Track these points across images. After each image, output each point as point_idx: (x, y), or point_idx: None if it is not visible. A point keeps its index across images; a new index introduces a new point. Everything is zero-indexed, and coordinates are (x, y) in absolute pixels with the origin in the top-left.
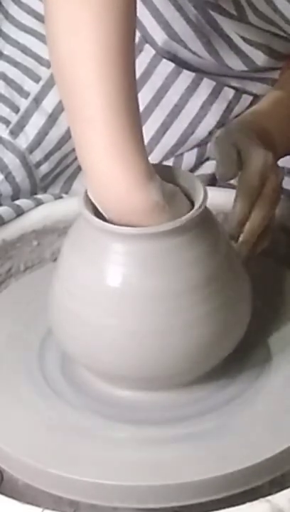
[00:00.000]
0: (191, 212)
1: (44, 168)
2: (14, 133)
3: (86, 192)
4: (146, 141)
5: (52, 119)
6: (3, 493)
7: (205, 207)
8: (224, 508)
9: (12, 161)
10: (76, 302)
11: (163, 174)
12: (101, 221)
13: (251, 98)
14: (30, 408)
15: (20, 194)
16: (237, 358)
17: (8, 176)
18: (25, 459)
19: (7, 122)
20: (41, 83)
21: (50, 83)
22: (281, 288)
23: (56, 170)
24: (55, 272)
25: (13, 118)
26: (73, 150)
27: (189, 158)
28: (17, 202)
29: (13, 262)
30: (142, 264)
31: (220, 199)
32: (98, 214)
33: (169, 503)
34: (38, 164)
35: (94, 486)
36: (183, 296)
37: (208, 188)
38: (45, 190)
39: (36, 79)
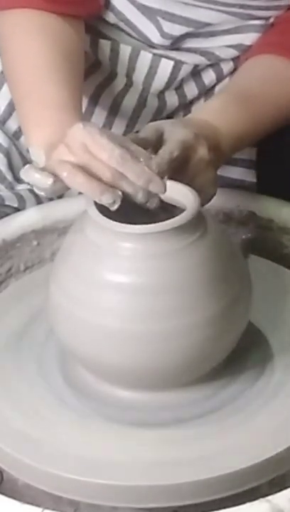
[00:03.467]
0: (190, 211)
1: (23, 140)
2: None
3: None
4: None
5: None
6: (3, 493)
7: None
8: (224, 508)
9: None
10: (76, 302)
11: None
12: (109, 220)
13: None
14: (30, 408)
15: (14, 166)
16: (238, 358)
17: None
18: (25, 459)
19: None
20: None
21: None
22: (281, 288)
23: None
24: (54, 271)
25: None
26: None
27: None
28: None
29: (13, 261)
30: (144, 264)
31: (220, 199)
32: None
33: (169, 503)
34: (16, 135)
35: (94, 486)
36: (186, 296)
37: None
38: None
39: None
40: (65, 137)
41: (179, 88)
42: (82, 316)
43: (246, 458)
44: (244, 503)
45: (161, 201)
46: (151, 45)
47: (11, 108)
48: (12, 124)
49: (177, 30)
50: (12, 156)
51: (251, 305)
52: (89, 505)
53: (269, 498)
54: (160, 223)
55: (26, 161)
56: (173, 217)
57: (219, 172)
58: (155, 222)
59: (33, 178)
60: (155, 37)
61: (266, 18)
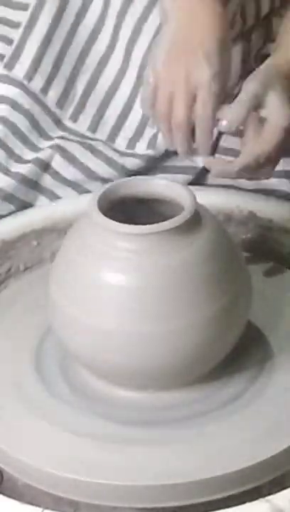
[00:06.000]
0: (188, 211)
1: (52, 95)
2: (8, 66)
3: (96, 193)
4: None
5: (45, 43)
6: (3, 493)
7: (202, 206)
8: (224, 508)
9: (11, 90)
10: (76, 303)
11: (145, 186)
12: (109, 220)
13: None
14: (29, 408)
15: (41, 125)
16: (237, 357)
17: (15, 106)
18: (25, 459)
19: (1, 57)
20: (30, 10)
21: (38, 8)
22: (281, 288)
23: (69, 95)
24: (54, 272)
25: (8, 51)
26: (76, 72)
27: None
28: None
29: (12, 261)
30: (144, 264)
31: (220, 199)
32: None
33: (169, 503)
34: (44, 91)
35: (94, 486)
36: (186, 296)
37: (208, 188)
38: (74, 119)
39: (24, 7)
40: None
41: None
42: (81, 316)
43: (246, 458)
44: (244, 503)
45: (160, 201)
46: None
47: (35, 64)
48: (38, 81)
49: None
50: (35, 115)
51: (251, 305)
52: (89, 505)
53: (269, 498)
54: (160, 223)
55: (56, 117)
56: (172, 217)
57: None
58: (154, 222)
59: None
60: None
61: None
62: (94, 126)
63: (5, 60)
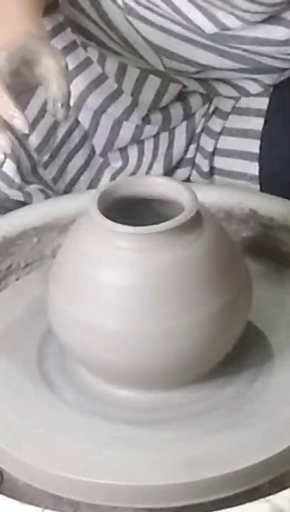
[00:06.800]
0: (189, 211)
1: (33, 139)
2: None
3: (95, 192)
4: None
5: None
6: (3, 493)
7: (202, 206)
8: (224, 508)
9: None
10: (75, 303)
11: (143, 185)
12: (109, 220)
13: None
14: (30, 408)
15: (22, 169)
16: (237, 357)
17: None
18: (25, 459)
19: None
20: None
21: None
22: (281, 287)
23: (49, 141)
24: (53, 271)
25: None
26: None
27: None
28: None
29: (13, 259)
30: (144, 264)
31: (221, 197)
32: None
33: (169, 503)
34: (25, 134)
35: (94, 486)
36: (186, 296)
37: (208, 186)
38: (46, 166)
39: None
40: None
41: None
42: (81, 316)
43: (246, 458)
44: (244, 503)
45: (160, 201)
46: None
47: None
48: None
49: None
50: (20, 158)
51: (251, 304)
52: (89, 505)
53: (269, 498)
54: (159, 224)
55: (34, 161)
56: (172, 217)
57: (220, 165)
58: (154, 222)
59: None
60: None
61: None
62: (57, 177)
63: None
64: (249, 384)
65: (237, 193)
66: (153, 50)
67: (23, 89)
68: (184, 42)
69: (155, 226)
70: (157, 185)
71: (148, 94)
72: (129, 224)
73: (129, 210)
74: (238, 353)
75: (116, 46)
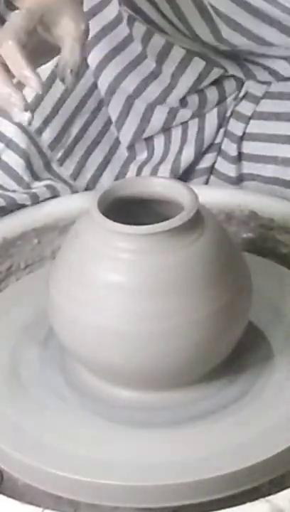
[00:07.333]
0: (189, 211)
1: (47, 135)
2: None
3: (96, 192)
4: None
5: (48, 83)
6: (3, 493)
7: (202, 206)
8: (224, 508)
9: (7, 128)
10: (75, 303)
11: (146, 186)
12: (109, 220)
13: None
14: (30, 408)
15: (33, 166)
16: (238, 358)
17: (10, 144)
18: (25, 459)
19: None
20: None
21: None
22: (281, 288)
23: (62, 138)
24: (53, 272)
25: None
26: (74, 115)
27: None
28: (33, 190)
29: (13, 260)
30: (144, 264)
31: (221, 198)
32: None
33: (169, 503)
34: (39, 131)
35: (94, 486)
36: (186, 296)
37: (209, 187)
38: (61, 163)
39: None
40: None
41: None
42: (81, 317)
43: (246, 458)
44: (244, 503)
45: (160, 201)
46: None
47: (36, 101)
48: (35, 121)
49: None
50: (31, 156)
51: (251, 305)
52: (89, 505)
53: (269, 498)
54: (159, 224)
55: (46, 159)
56: (172, 217)
57: (248, 150)
58: (154, 222)
59: None
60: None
61: None
62: (76, 174)
63: None
64: (249, 384)
65: (237, 194)
66: (210, 24)
67: (41, 50)
68: (253, 16)
69: (155, 226)
70: (157, 185)
71: (190, 76)
72: (129, 224)
73: (129, 210)
74: (238, 354)
75: (165, 24)
